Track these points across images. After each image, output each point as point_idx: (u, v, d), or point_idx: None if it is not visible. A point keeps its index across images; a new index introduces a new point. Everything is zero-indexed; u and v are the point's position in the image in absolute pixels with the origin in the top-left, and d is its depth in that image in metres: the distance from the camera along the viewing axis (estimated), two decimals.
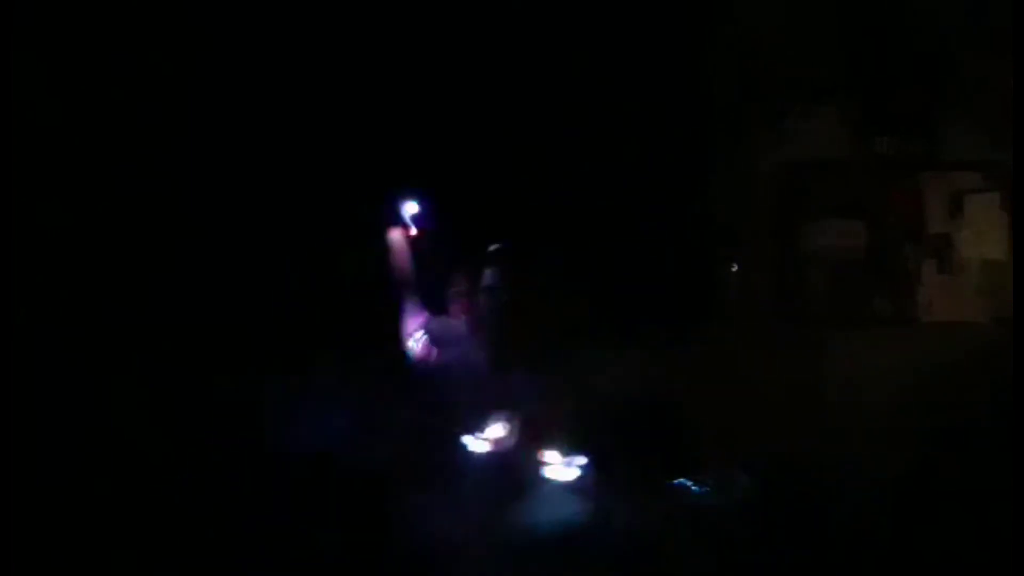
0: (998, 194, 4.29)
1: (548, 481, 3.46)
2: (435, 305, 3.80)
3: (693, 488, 3.70)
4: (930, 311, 4.30)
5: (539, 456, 3.52)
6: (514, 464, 3.49)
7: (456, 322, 3.77)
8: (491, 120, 4.22)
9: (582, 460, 3.53)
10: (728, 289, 4.32)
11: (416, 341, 3.73)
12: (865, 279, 4.32)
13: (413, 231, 3.82)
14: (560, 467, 3.50)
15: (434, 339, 3.72)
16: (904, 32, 4.33)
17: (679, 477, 3.74)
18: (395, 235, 3.79)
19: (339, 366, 3.79)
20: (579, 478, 3.48)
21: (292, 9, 4.16)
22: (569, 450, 3.54)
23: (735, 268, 4.32)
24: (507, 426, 3.57)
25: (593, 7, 4.25)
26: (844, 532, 3.72)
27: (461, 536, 3.32)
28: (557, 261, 3.96)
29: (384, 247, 3.79)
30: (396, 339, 3.76)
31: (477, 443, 3.52)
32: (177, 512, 3.58)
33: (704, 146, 4.33)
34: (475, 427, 3.56)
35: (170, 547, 3.47)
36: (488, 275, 3.75)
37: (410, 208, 3.82)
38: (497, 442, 3.55)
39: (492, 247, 3.80)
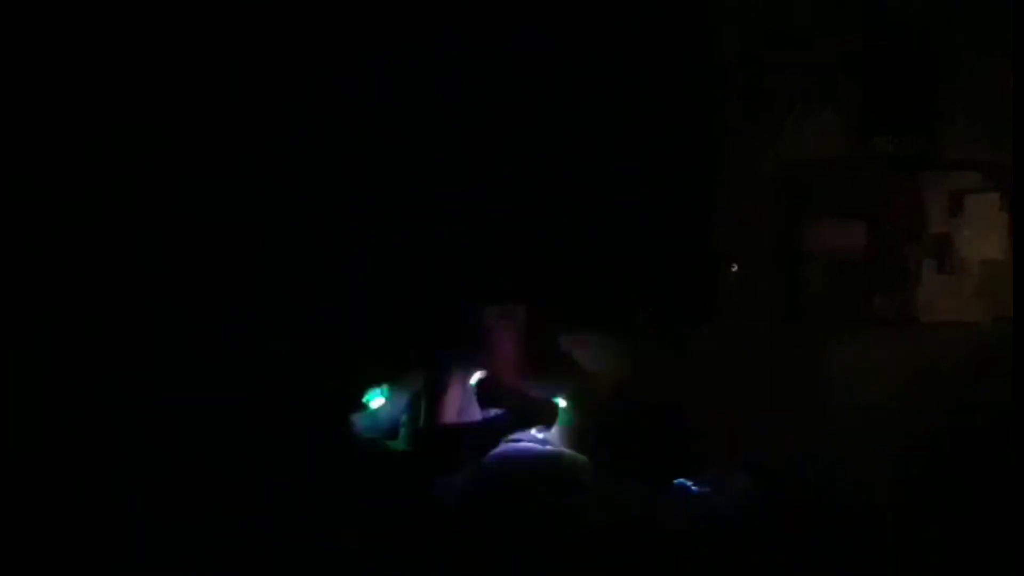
0: (998, 194, 4.29)
1: None
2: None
3: (693, 488, 3.70)
4: (930, 311, 4.30)
5: None
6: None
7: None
8: (491, 120, 4.22)
9: None
10: (728, 289, 4.31)
11: None
12: (865, 279, 4.32)
13: None
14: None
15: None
16: (904, 32, 4.33)
17: (679, 477, 3.74)
18: None
19: None
20: None
21: None
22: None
23: (735, 268, 4.32)
24: None
25: (593, 7, 4.24)
26: (844, 532, 3.72)
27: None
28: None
29: None
30: None
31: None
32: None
33: (704, 146, 4.32)
34: None
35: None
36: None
37: None
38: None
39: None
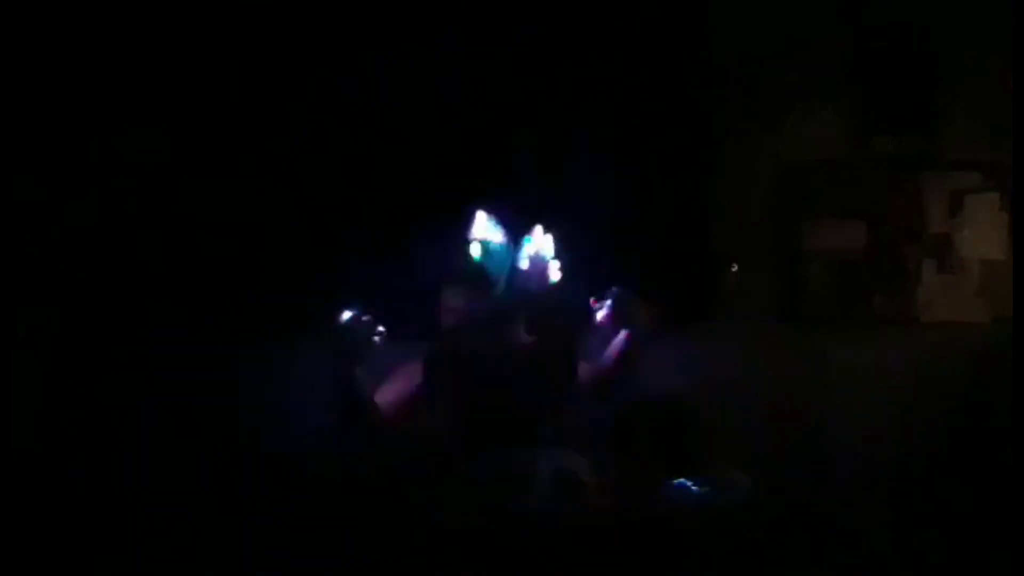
0: (998, 194, 4.30)
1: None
2: None
3: (693, 488, 3.70)
4: (930, 311, 4.30)
5: None
6: None
7: None
8: (490, 121, 4.22)
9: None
10: (728, 289, 4.31)
11: None
12: (865, 279, 4.32)
13: None
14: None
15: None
16: (904, 32, 4.33)
17: (679, 477, 3.74)
18: None
19: None
20: None
21: None
22: None
23: (735, 268, 4.32)
24: None
25: (593, 7, 4.24)
26: (844, 532, 3.72)
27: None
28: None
29: None
30: None
31: None
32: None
33: (704, 146, 4.32)
34: None
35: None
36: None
37: None
38: None
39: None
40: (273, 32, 4.17)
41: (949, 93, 4.31)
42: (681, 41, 4.30)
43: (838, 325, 4.28)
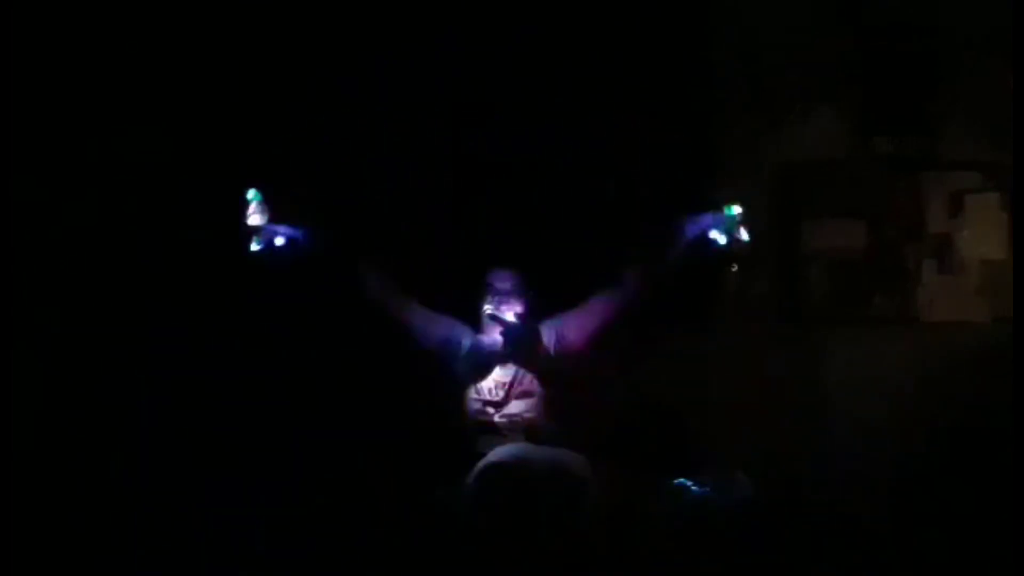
0: (998, 194, 4.30)
1: None
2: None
3: (693, 488, 3.70)
4: (930, 311, 4.30)
5: None
6: None
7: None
8: (491, 120, 4.23)
9: None
10: (728, 289, 4.31)
11: None
12: (865, 279, 4.32)
13: None
14: None
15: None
16: (904, 32, 4.33)
17: (679, 477, 3.75)
18: None
19: None
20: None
21: None
22: None
23: (735, 268, 4.32)
24: None
25: (593, 7, 4.25)
26: (844, 532, 3.73)
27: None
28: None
29: None
30: None
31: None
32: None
33: (704, 146, 4.32)
34: None
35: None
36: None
37: None
38: None
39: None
40: (273, 33, 4.18)
41: (949, 93, 4.31)
42: (682, 41, 4.29)
43: (838, 325, 4.28)
